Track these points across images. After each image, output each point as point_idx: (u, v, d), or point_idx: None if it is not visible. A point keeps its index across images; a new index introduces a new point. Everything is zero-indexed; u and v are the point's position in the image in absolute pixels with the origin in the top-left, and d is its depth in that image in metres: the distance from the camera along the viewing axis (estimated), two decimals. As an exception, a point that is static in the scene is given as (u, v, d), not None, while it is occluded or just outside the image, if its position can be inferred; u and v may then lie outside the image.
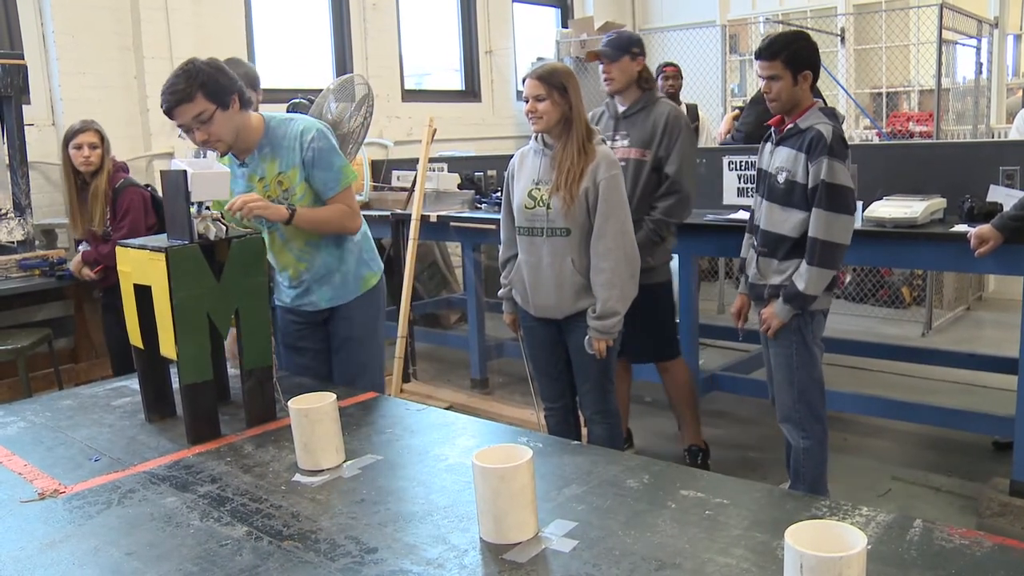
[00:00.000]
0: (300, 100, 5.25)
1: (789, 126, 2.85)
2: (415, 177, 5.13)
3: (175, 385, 2.17)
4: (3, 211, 4.67)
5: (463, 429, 2.08)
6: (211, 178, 2.13)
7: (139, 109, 5.52)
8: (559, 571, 1.35)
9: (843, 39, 7.71)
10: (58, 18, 5.18)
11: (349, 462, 1.85)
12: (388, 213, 5.20)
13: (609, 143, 3.28)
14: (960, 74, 7.55)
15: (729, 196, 4.54)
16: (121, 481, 1.81)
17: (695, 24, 8.03)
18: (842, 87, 7.38)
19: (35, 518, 1.64)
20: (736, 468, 3.75)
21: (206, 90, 2.34)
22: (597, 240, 2.77)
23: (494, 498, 1.42)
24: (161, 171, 2.20)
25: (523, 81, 2.84)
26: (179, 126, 2.43)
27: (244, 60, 3.34)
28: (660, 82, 5.95)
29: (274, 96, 5.81)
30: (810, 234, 2.76)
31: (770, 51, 2.79)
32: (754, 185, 3.34)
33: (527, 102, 2.79)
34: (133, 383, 2.41)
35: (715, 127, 6.65)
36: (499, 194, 4.12)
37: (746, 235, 3.14)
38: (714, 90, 7.44)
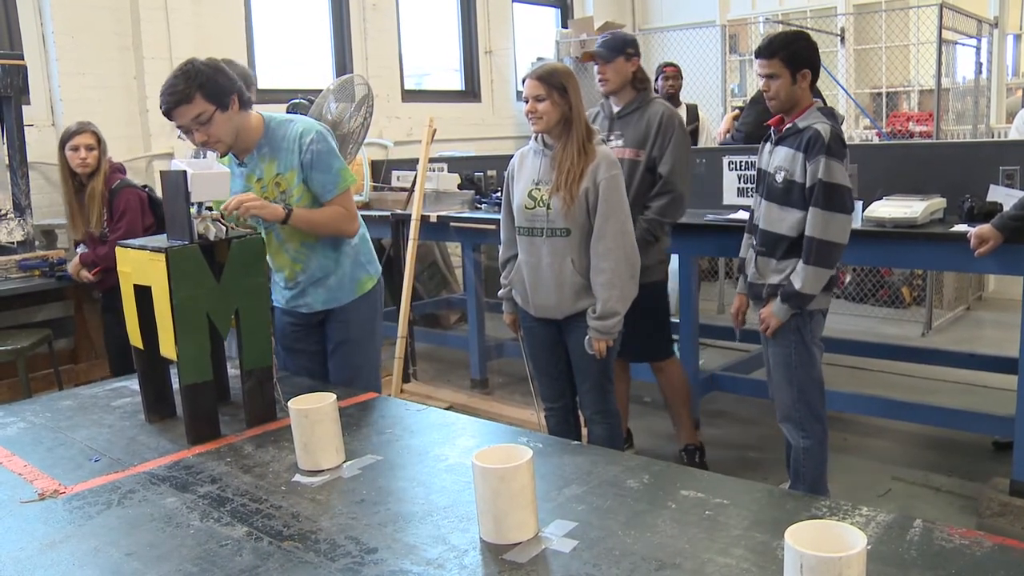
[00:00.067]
0: (300, 100, 5.25)
1: (788, 125, 2.86)
2: (415, 177, 5.13)
3: (175, 385, 2.17)
4: (3, 212, 4.67)
5: (463, 429, 2.08)
6: (211, 178, 2.13)
7: (139, 109, 5.52)
8: (559, 571, 1.35)
9: (843, 39, 7.71)
10: (58, 18, 5.18)
11: (349, 462, 1.85)
12: (388, 213, 5.20)
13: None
14: (960, 74, 7.55)
15: (729, 196, 4.54)
16: (121, 481, 1.81)
17: (695, 24, 8.03)
18: (842, 87, 7.38)
19: (35, 518, 1.64)
20: (736, 468, 3.75)
21: (205, 91, 2.33)
22: (597, 240, 2.77)
23: (494, 498, 1.42)
24: (161, 171, 2.20)
25: (523, 81, 2.84)
26: (178, 127, 2.42)
27: (237, 61, 3.32)
28: (660, 82, 5.95)
29: (274, 96, 5.82)
30: (807, 233, 2.77)
31: (769, 49, 2.81)
32: (754, 185, 3.34)
33: (527, 102, 2.79)
34: (133, 383, 2.41)
35: (715, 127, 6.65)
36: (499, 194, 4.12)
37: (745, 235, 3.15)
38: (714, 90, 7.44)
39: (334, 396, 1.86)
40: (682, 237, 3.96)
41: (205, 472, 1.84)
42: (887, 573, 1.28)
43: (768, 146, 2.98)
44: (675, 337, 5.42)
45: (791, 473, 3.10)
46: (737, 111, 6.17)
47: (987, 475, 3.46)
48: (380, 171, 6.44)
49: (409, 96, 7.37)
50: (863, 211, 3.47)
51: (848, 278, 6.49)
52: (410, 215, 4.92)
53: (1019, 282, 3.30)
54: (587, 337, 2.81)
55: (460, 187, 5.40)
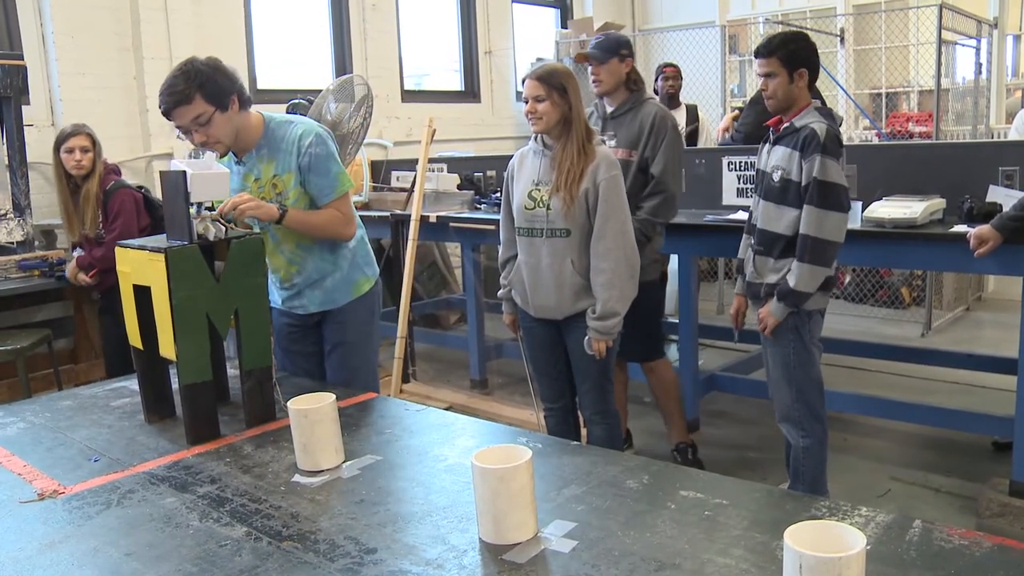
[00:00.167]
0: (299, 100, 5.26)
1: (785, 125, 2.88)
2: (414, 177, 5.13)
3: (174, 386, 2.17)
4: (3, 212, 4.67)
5: (462, 429, 2.08)
6: (210, 178, 2.13)
7: (138, 110, 5.52)
8: (558, 571, 1.35)
9: (843, 39, 7.71)
10: (58, 19, 5.17)
11: (348, 462, 1.85)
12: (387, 214, 5.20)
13: None
14: (959, 74, 7.55)
15: (728, 196, 4.54)
16: (120, 482, 1.81)
17: (694, 24, 8.03)
18: (841, 88, 7.38)
19: (34, 519, 1.64)
20: (735, 468, 3.75)
21: (205, 91, 2.32)
22: (597, 241, 2.77)
23: (493, 498, 1.42)
24: (160, 172, 2.20)
25: (523, 82, 2.84)
26: (177, 127, 2.42)
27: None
28: (660, 83, 5.95)
29: (274, 96, 5.83)
30: (801, 231, 2.78)
31: (767, 48, 2.84)
32: (753, 186, 3.34)
33: (527, 103, 2.79)
34: (132, 384, 2.40)
35: (715, 128, 6.65)
36: (498, 195, 4.11)
37: (744, 235, 3.15)
38: (714, 91, 7.44)
39: (333, 396, 1.86)
40: (681, 237, 3.96)
41: (204, 472, 1.84)
42: (886, 573, 1.28)
43: (767, 146, 3.00)
44: (674, 337, 5.44)
45: (790, 473, 3.11)
46: (737, 111, 6.17)
47: (986, 475, 3.46)
48: (380, 171, 6.44)
49: (409, 96, 7.37)
50: (863, 211, 3.47)
51: (848, 278, 6.49)
52: (410, 215, 4.93)
53: (1018, 283, 3.30)
54: (587, 337, 2.81)
55: (460, 187, 5.40)
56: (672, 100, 5.95)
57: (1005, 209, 3.11)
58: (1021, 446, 3.17)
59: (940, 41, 6.02)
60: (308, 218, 2.55)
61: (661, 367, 3.73)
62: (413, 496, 1.68)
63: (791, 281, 2.80)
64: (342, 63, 6.88)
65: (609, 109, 3.52)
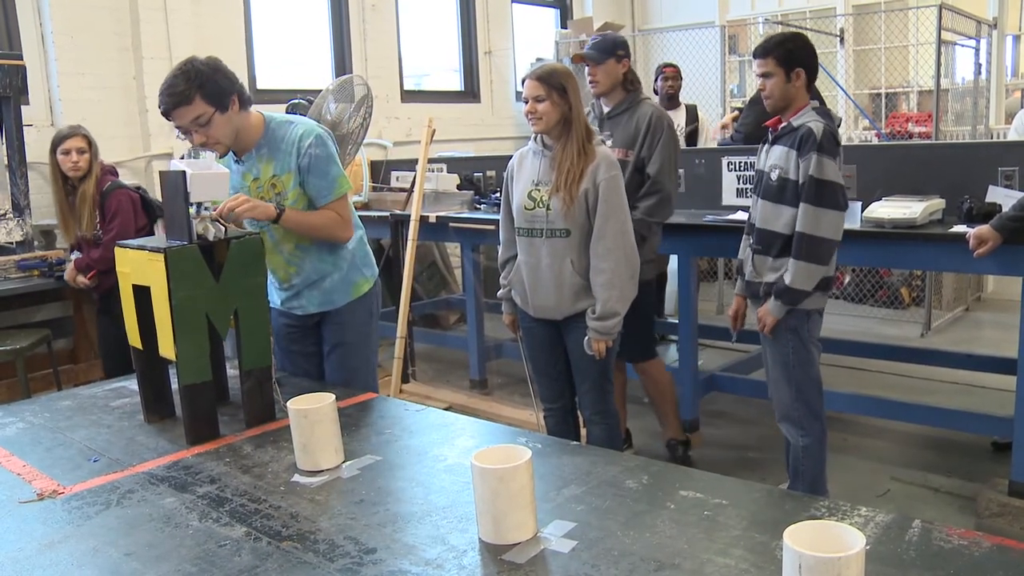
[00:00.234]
0: (299, 101, 5.26)
1: (783, 125, 2.89)
2: (414, 178, 5.14)
3: (174, 386, 2.17)
4: (2, 212, 4.67)
5: (462, 430, 2.08)
6: (210, 179, 2.13)
7: (138, 110, 5.52)
8: (558, 571, 1.35)
9: (842, 40, 7.71)
10: (57, 19, 5.17)
11: (348, 463, 1.85)
12: (387, 214, 5.20)
13: None
14: (959, 75, 7.56)
15: (728, 197, 4.54)
16: (120, 482, 1.81)
17: (694, 25, 8.03)
18: (841, 88, 7.38)
19: (34, 519, 1.64)
20: (735, 468, 3.75)
21: (205, 92, 2.31)
22: (597, 241, 2.77)
23: (493, 499, 1.42)
24: (160, 172, 2.19)
25: (522, 82, 2.85)
26: (177, 127, 2.41)
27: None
28: (660, 83, 5.95)
29: (273, 96, 5.82)
30: (797, 228, 2.80)
31: (764, 49, 2.87)
32: (752, 186, 3.35)
33: (527, 103, 2.79)
34: (132, 384, 2.40)
35: (714, 127, 6.65)
36: (498, 195, 4.11)
37: (744, 236, 3.15)
38: (713, 91, 7.44)
39: (333, 396, 1.86)
40: (681, 237, 3.97)
41: (204, 472, 1.84)
42: (886, 573, 1.28)
43: (765, 146, 3.01)
44: (673, 338, 5.44)
45: (790, 472, 3.11)
46: (737, 111, 6.17)
47: (986, 475, 3.46)
48: (379, 171, 6.44)
49: (408, 96, 7.37)
50: (862, 212, 3.47)
51: (847, 279, 6.49)
52: (409, 215, 4.93)
53: (1018, 283, 3.30)
54: (586, 338, 2.81)
55: (459, 187, 5.40)
56: (672, 100, 5.95)
57: (1004, 209, 3.11)
58: (1020, 446, 3.17)
59: (940, 41, 6.03)
60: (306, 219, 2.54)
61: (653, 368, 3.74)
62: (413, 496, 1.68)
63: (787, 279, 2.82)
64: (342, 63, 6.88)
65: (606, 109, 3.54)
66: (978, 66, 6.87)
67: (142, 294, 2.10)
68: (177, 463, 1.91)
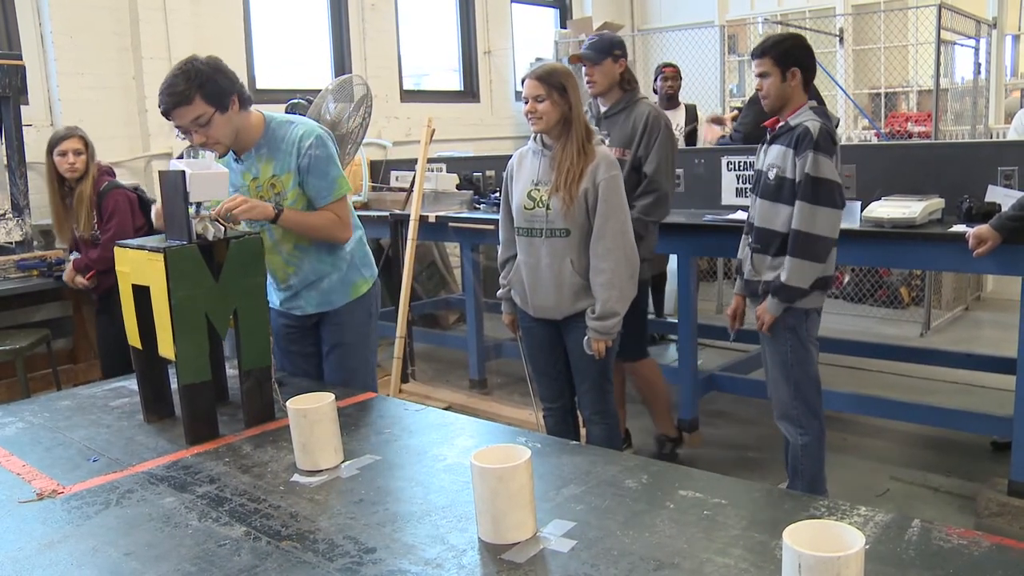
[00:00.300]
0: (299, 100, 5.25)
1: (780, 124, 2.91)
2: (414, 177, 5.14)
3: (173, 386, 2.17)
4: (1, 212, 4.67)
5: (461, 429, 2.08)
6: (210, 178, 2.13)
7: (137, 109, 5.52)
8: (557, 571, 1.35)
9: (842, 39, 7.71)
10: (56, 18, 5.17)
11: (347, 462, 1.85)
12: (387, 213, 5.20)
13: None
14: (958, 74, 7.55)
15: (728, 196, 4.54)
16: (119, 481, 1.81)
17: (694, 24, 8.03)
18: (841, 87, 7.38)
19: (33, 518, 1.64)
20: (734, 468, 3.76)
21: (205, 92, 2.31)
22: (597, 241, 2.77)
23: (492, 498, 1.42)
24: (159, 171, 2.19)
25: (522, 82, 2.85)
26: (177, 127, 2.41)
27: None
28: (659, 83, 5.96)
29: (273, 96, 5.82)
30: (792, 226, 2.81)
31: (760, 49, 2.91)
32: (751, 186, 3.36)
33: (527, 103, 2.79)
34: (131, 384, 2.40)
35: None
36: (498, 194, 4.12)
37: (743, 235, 3.16)
38: (713, 91, 7.44)
39: (332, 396, 1.86)
40: (681, 237, 3.97)
41: (203, 472, 1.84)
42: (885, 573, 1.28)
43: (764, 146, 3.02)
44: (673, 337, 5.43)
45: (789, 471, 3.11)
46: (736, 111, 6.18)
47: (985, 475, 3.46)
48: (379, 171, 6.44)
49: (408, 96, 7.37)
50: (862, 211, 3.48)
51: (847, 278, 6.49)
52: (409, 215, 4.93)
53: (1017, 282, 3.30)
54: (586, 337, 2.81)
55: (459, 187, 5.40)
56: (671, 100, 5.95)
57: (1004, 209, 3.11)
58: (1020, 446, 3.17)
59: (939, 41, 6.03)
60: (304, 219, 2.54)
61: (645, 367, 3.75)
62: (412, 496, 1.68)
63: (783, 276, 2.83)
64: (341, 63, 6.88)
65: (603, 108, 3.55)
66: (977, 66, 6.87)
67: (141, 294, 2.10)
68: (176, 463, 1.91)
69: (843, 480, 3.53)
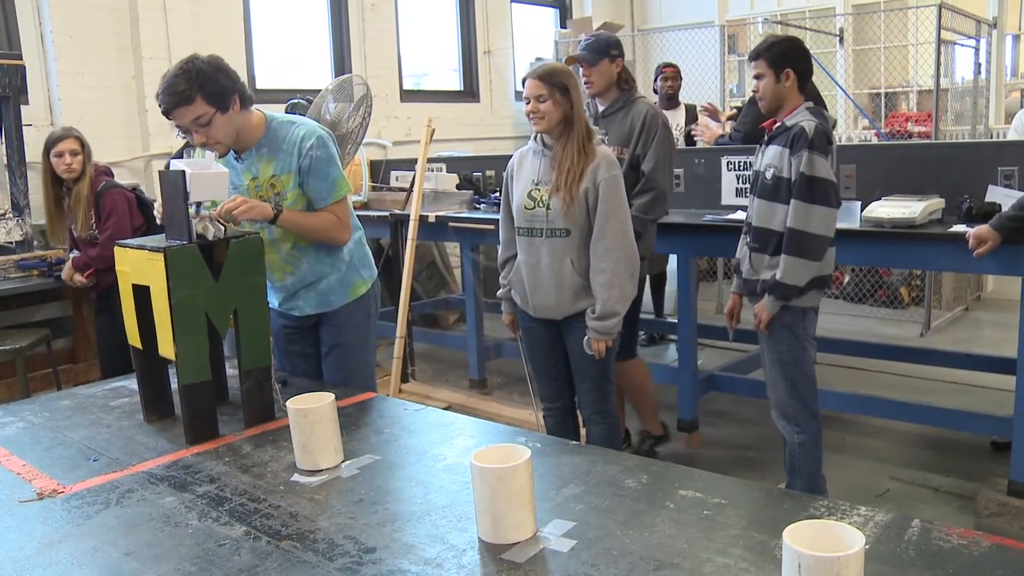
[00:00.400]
0: (299, 100, 5.25)
1: (777, 124, 2.93)
2: (414, 177, 5.13)
3: (173, 385, 2.17)
4: (1, 212, 4.67)
5: (461, 429, 2.08)
6: (210, 178, 2.13)
7: (137, 109, 5.52)
8: (557, 571, 1.35)
9: (842, 39, 7.71)
10: (56, 18, 5.17)
11: (347, 462, 1.85)
12: (387, 213, 5.20)
13: None
14: (959, 74, 7.55)
15: (727, 196, 4.55)
16: (119, 481, 1.81)
17: (694, 24, 8.03)
18: (841, 87, 7.38)
19: (33, 518, 1.64)
20: (734, 468, 3.76)
21: (206, 92, 2.29)
22: (597, 241, 2.77)
23: (492, 498, 1.42)
24: (159, 171, 2.19)
25: (523, 81, 2.85)
26: (177, 126, 2.41)
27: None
28: (659, 83, 5.96)
29: (273, 96, 5.82)
30: (787, 224, 2.83)
31: (755, 51, 2.95)
32: (750, 186, 3.36)
33: (528, 102, 2.79)
34: (131, 383, 2.40)
35: (713, 125, 6.64)
36: (498, 194, 4.12)
37: (742, 235, 3.17)
38: (713, 91, 7.44)
39: (332, 396, 1.86)
40: (680, 237, 3.97)
41: (204, 472, 1.84)
42: (885, 573, 1.28)
43: (761, 147, 3.04)
44: (673, 337, 5.43)
45: (788, 470, 3.12)
46: (734, 111, 6.17)
47: (985, 475, 3.46)
48: (379, 171, 6.44)
49: (408, 96, 7.37)
50: (862, 211, 3.48)
51: (847, 278, 6.49)
52: (409, 215, 4.93)
53: (1017, 282, 3.30)
54: (586, 337, 2.81)
55: (459, 187, 5.40)
56: (671, 100, 5.95)
57: (1004, 209, 3.11)
58: (1020, 446, 3.17)
59: (939, 41, 6.03)
60: (303, 220, 2.53)
61: (633, 368, 3.76)
62: (412, 496, 1.68)
63: (778, 274, 2.85)
64: (341, 63, 6.88)
65: (601, 108, 3.57)
66: (978, 66, 6.87)
67: (142, 293, 2.10)
68: (176, 463, 1.91)
69: (843, 480, 3.53)
